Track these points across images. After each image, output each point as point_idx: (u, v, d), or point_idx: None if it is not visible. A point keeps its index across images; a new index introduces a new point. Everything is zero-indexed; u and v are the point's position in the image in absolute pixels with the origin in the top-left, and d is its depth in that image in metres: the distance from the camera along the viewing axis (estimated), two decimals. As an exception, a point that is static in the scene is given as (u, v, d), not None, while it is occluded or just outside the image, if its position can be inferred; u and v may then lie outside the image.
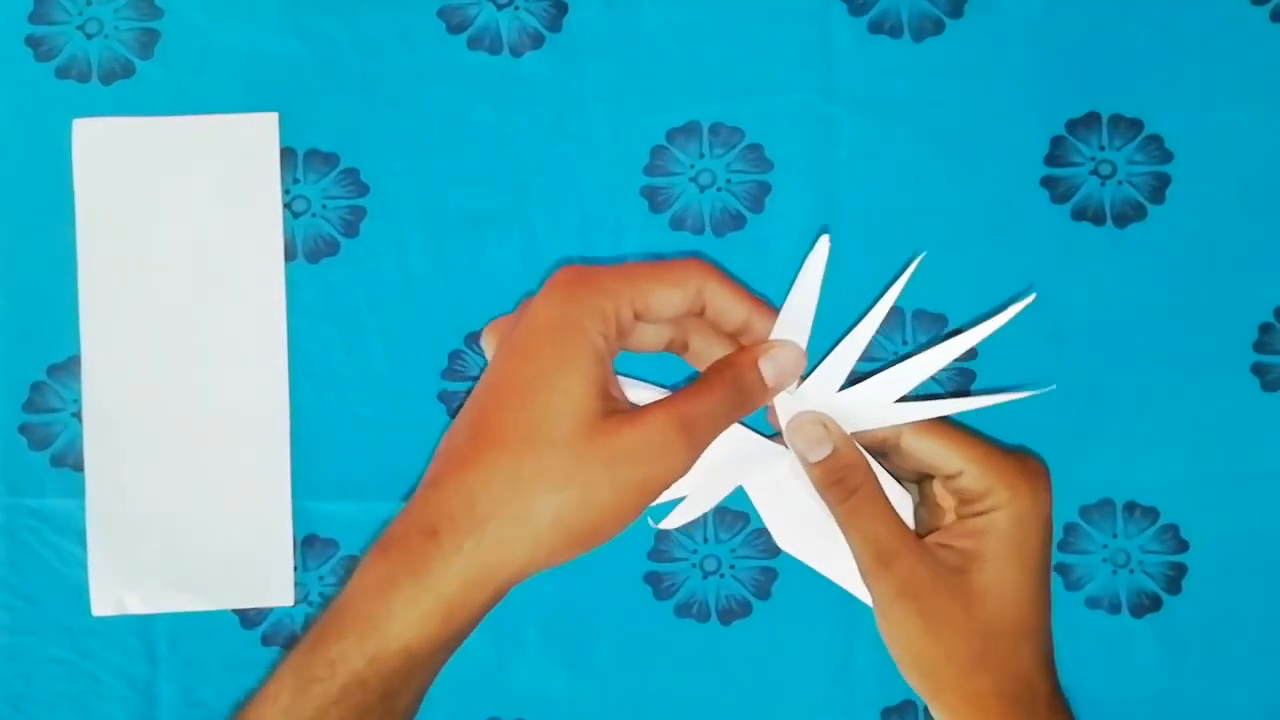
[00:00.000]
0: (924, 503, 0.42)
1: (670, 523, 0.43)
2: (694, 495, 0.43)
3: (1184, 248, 0.48)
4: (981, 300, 0.48)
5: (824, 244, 0.39)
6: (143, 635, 0.48)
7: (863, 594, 0.46)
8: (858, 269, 0.48)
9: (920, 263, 0.41)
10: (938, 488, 0.42)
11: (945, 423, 0.41)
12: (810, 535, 0.43)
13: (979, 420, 0.41)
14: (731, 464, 0.42)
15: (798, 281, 0.40)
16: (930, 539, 0.40)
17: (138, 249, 0.48)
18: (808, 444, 0.41)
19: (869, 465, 0.41)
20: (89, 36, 0.49)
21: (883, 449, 0.42)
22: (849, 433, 0.41)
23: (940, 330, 0.48)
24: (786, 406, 0.41)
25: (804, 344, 0.40)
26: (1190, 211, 0.48)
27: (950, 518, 0.41)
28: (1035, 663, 0.40)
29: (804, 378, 0.41)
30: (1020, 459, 0.40)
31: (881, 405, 0.41)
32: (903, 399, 0.40)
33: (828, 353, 0.41)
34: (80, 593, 0.48)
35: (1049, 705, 0.40)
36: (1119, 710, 0.48)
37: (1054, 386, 0.42)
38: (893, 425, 0.41)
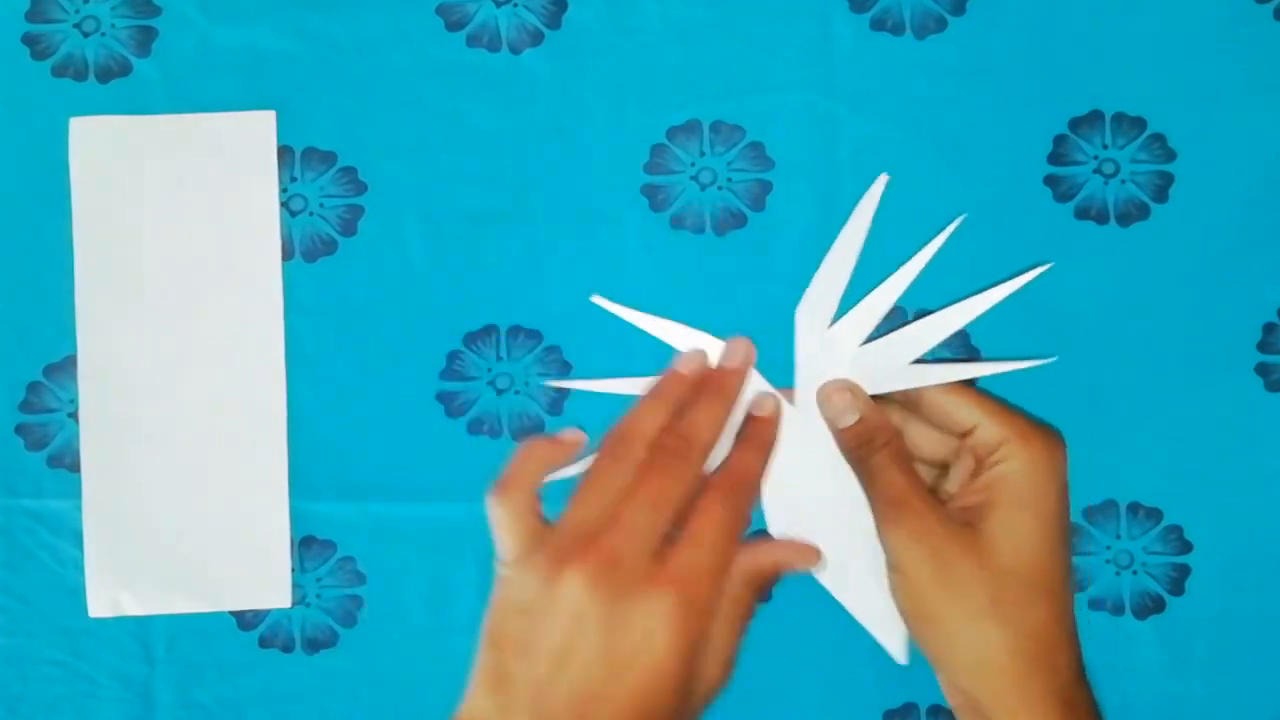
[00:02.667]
0: (944, 479, 0.44)
1: None
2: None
3: (1187, 247, 0.48)
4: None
5: (880, 183, 0.45)
6: (139, 636, 0.48)
7: (850, 600, 0.46)
8: (859, 267, 0.48)
9: (961, 223, 0.47)
10: (958, 468, 0.44)
11: (964, 384, 0.44)
12: (806, 527, 0.45)
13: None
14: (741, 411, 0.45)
15: (850, 220, 0.46)
16: (948, 499, 0.43)
17: (134, 248, 0.48)
18: (836, 413, 0.44)
19: (894, 427, 0.44)
20: (86, 35, 0.49)
21: (905, 402, 0.45)
22: (869, 393, 0.45)
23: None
24: (810, 357, 0.45)
25: (845, 281, 0.46)
26: (1194, 211, 0.48)
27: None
28: (1053, 624, 0.40)
29: (835, 321, 0.46)
30: (1036, 422, 0.42)
31: (899, 366, 0.45)
32: (918, 361, 0.45)
33: (859, 301, 0.46)
34: (77, 594, 0.48)
35: (1070, 676, 0.40)
36: (1122, 712, 0.48)
37: (1055, 358, 0.46)
38: (906, 387, 0.44)
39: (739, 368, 0.45)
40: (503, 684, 0.39)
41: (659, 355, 0.48)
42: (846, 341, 0.46)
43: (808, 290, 0.46)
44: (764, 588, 0.43)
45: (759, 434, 0.44)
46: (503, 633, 0.40)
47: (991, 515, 0.41)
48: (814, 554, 0.44)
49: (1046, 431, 0.42)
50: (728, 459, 0.43)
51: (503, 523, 0.42)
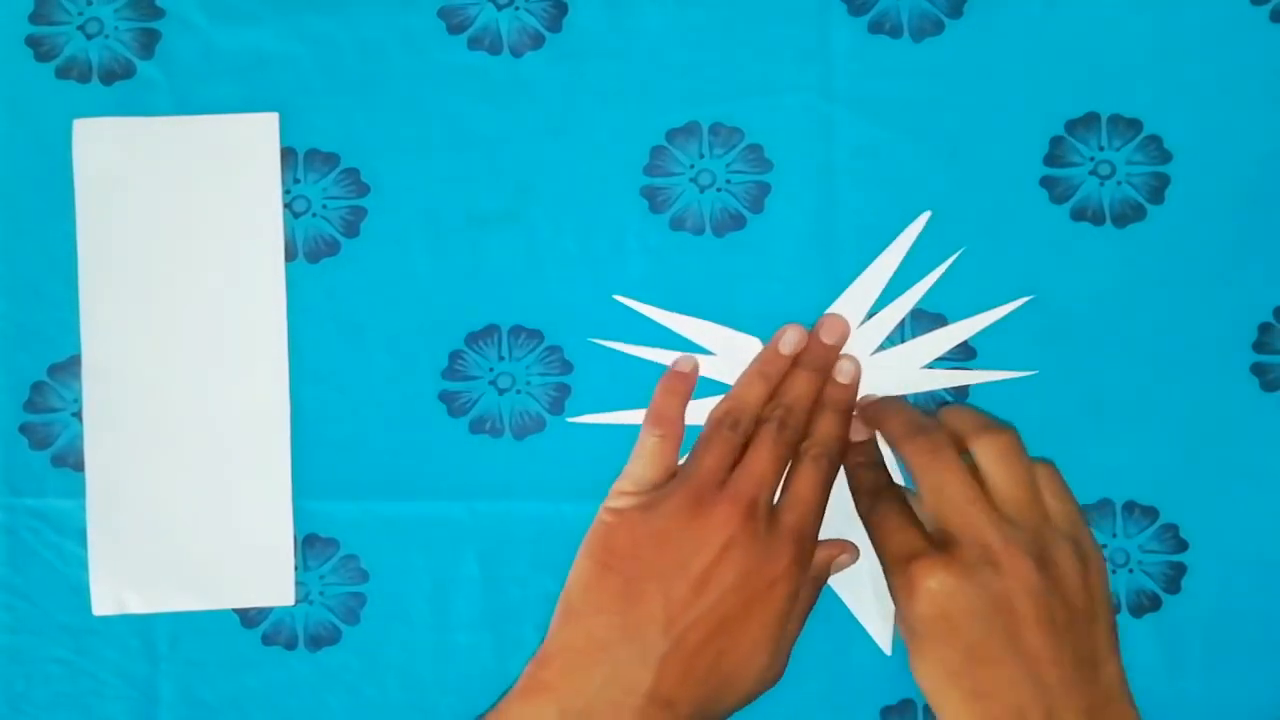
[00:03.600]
0: None
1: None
2: None
3: (1183, 248, 0.48)
4: (980, 300, 0.48)
5: (922, 220, 0.48)
6: (143, 635, 0.48)
7: (854, 601, 0.47)
8: (857, 269, 0.48)
9: (957, 258, 0.48)
10: None
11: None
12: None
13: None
14: None
15: (888, 249, 0.48)
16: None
17: (138, 249, 0.48)
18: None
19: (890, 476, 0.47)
20: (89, 37, 0.49)
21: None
22: (877, 396, 0.48)
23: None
24: None
25: (871, 302, 0.48)
26: (1189, 212, 0.49)
27: None
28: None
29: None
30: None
31: (905, 374, 0.48)
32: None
33: (870, 315, 0.48)
34: (81, 592, 0.48)
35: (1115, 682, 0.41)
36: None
37: (1036, 372, 0.47)
38: (913, 392, 0.48)
39: (836, 344, 0.48)
40: (632, 602, 0.42)
41: (659, 355, 0.49)
42: (861, 348, 0.48)
43: (837, 300, 0.48)
44: (823, 583, 0.47)
45: (840, 399, 0.47)
46: (632, 554, 0.43)
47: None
48: (856, 551, 0.47)
49: (914, 564, 0.42)
50: (815, 426, 0.46)
51: (654, 452, 0.46)
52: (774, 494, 0.44)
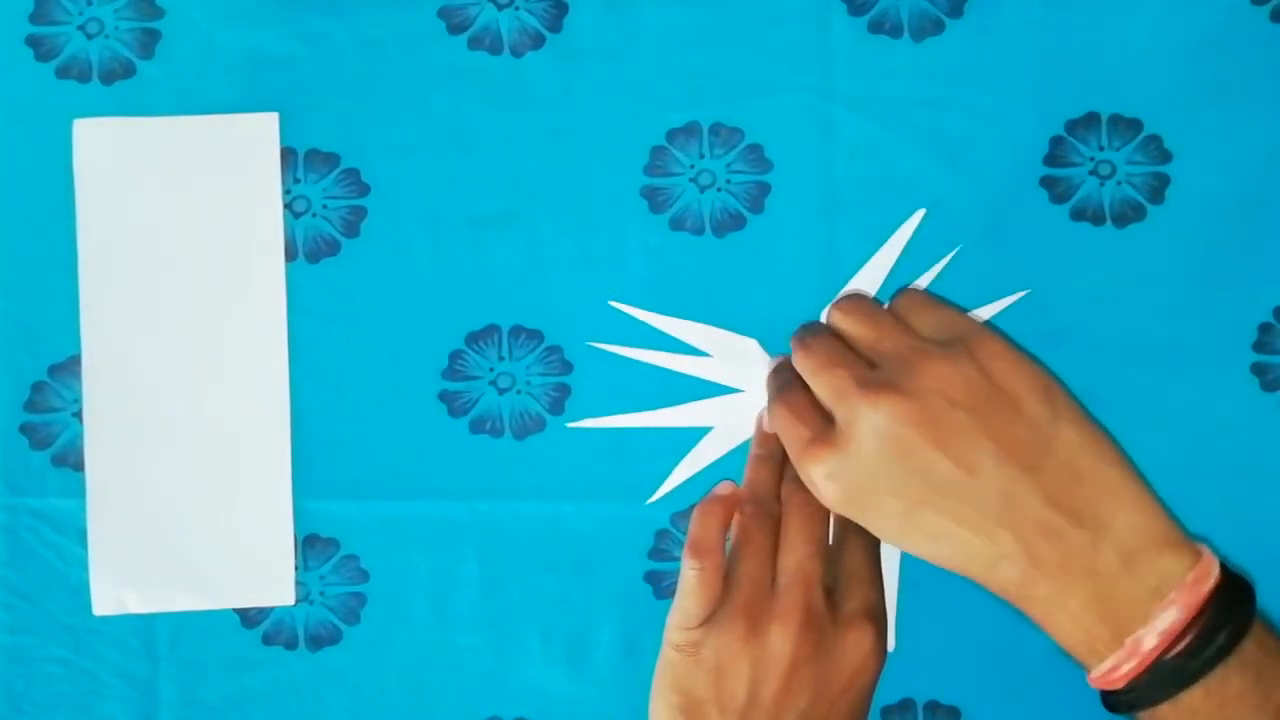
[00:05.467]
0: None
1: (704, 455, 0.48)
2: (720, 431, 0.48)
3: (1183, 248, 0.49)
4: (980, 300, 0.48)
5: (917, 217, 0.47)
6: (143, 634, 0.48)
7: None
8: (857, 269, 0.48)
9: (959, 259, 0.47)
10: None
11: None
12: None
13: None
14: (754, 413, 0.48)
15: (883, 247, 0.48)
16: None
17: (138, 249, 0.48)
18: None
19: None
20: (89, 37, 0.49)
21: None
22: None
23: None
24: None
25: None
26: (1189, 212, 0.49)
27: None
28: None
29: None
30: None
31: None
32: None
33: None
34: (81, 592, 0.48)
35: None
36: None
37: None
38: None
39: None
40: None
41: (659, 358, 0.49)
42: None
43: (834, 301, 0.47)
44: None
45: None
46: (694, 695, 0.42)
47: None
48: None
49: (802, 457, 0.41)
50: None
51: (696, 586, 0.44)
52: (825, 580, 0.43)
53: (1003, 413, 0.39)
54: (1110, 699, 0.39)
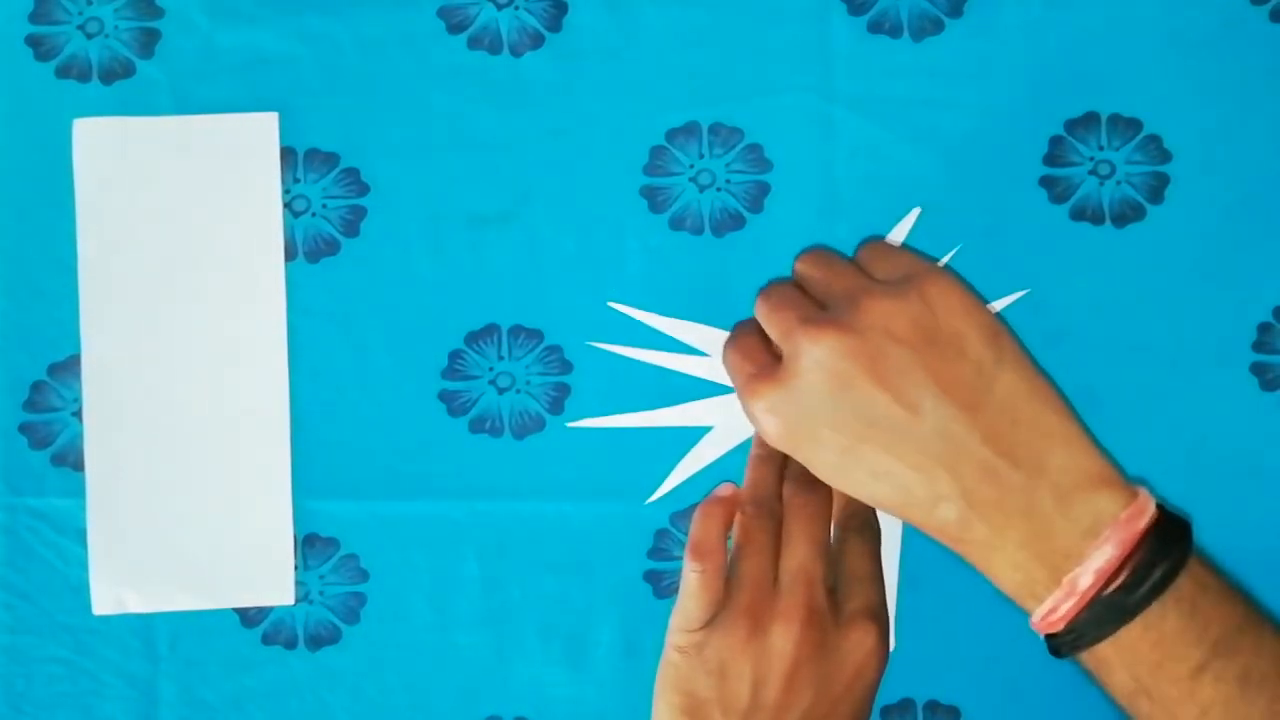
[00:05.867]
0: None
1: (704, 455, 0.48)
2: (720, 431, 0.48)
3: (1183, 248, 0.49)
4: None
5: (912, 216, 0.47)
6: (143, 634, 0.48)
7: None
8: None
9: (959, 259, 0.45)
10: None
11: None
12: None
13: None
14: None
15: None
16: None
17: (138, 248, 0.48)
18: None
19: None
20: (89, 36, 0.49)
21: None
22: None
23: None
24: None
25: None
26: (1189, 211, 0.49)
27: None
28: None
29: None
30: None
31: None
32: None
33: None
34: (81, 592, 0.48)
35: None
36: (1120, 712, 0.48)
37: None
38: None
39: None
40: None
41: (658, 358, 0.49)
42: None
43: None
44: None
45: None
46: (697, 697, 0.42)
47: None
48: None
49: (745, 391, 0.41)
50: (837, 499, 0.46)
51: (698, 588, 0.44)
52: (827, 580, 0.43)
53: (945, 352, 0.39)
54: (1054, 642, 0.39)
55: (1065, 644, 0.39)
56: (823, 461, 0.40)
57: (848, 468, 0.39)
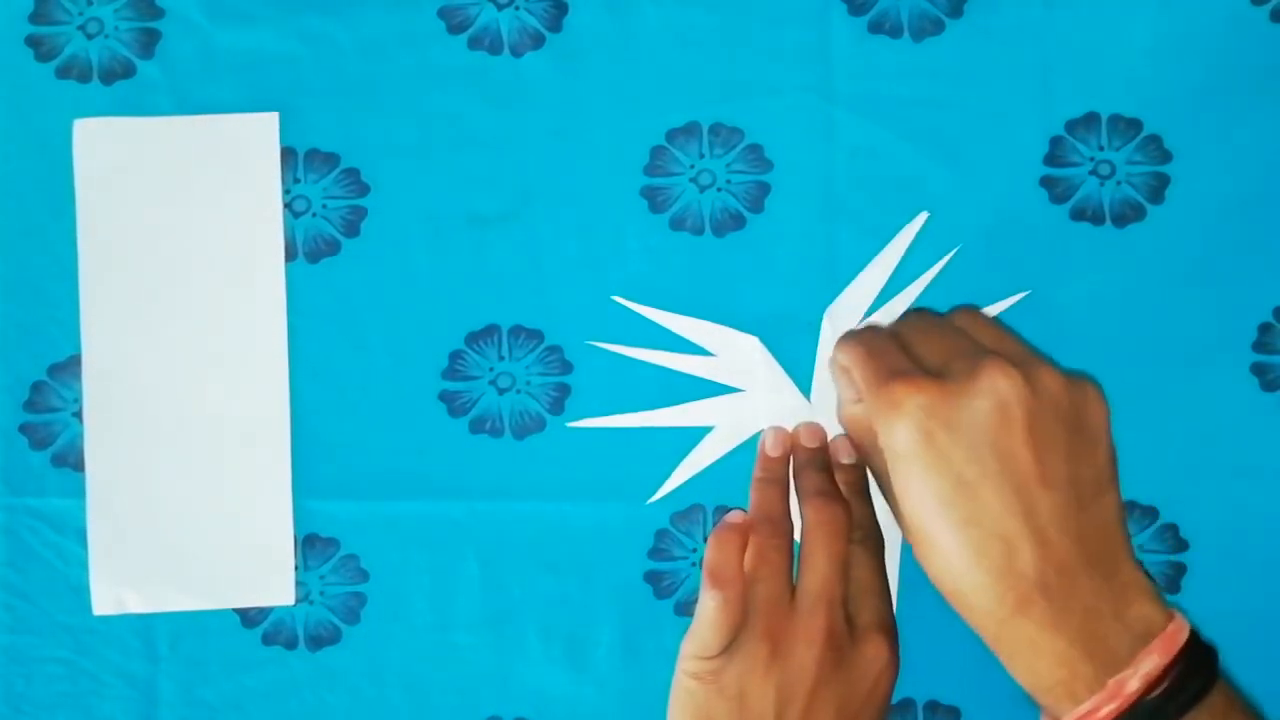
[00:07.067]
0: None
1: (705, 455, 0.48)
2: (721, 431, 0.48)
3: (1183, 248, 0.49)
4: (980, 300, 0.48)
5: (920, 219, 0.48)
6: (143, 634, 0.48)
7: None
8: (857, 269, 0.48)
9: (959, 259, 0.47)
10: None
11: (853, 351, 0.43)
12: None
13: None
14: (756, 412, 0.48)
15: (888, 246, 0.48)
16: None
17: (138, 249, 0.48)
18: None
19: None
20: (89, 36, 0.49)
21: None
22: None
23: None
24: (826, 369, 0.48)
25: (873, 296, 0.48)
26: (1189, 211, 0.49)
27: None
28: (947, 575, 0.40)
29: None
30: (897, 371, 0.41)
31: None
32: None
33: (868, 315, 0.49)
34: (81, 592, 0.48)
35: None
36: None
37: None
38: None
39: (819, 446, 0.48)
40: None
41: (659, 357, 0.49)
42: None
43: (838, 299, 0.48)
44: None
45: (853, 481, 0.47)
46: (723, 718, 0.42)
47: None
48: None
49: (896, 381, 0.40)
50: (853, 512, 0.45)
51: (717, 617, 0.43)
52: (845, 596, 0.43)
53: (1085, 449, 0.40)
54: None
55: None
56: (932, 486, 0.39)
57: (951, 502, 0.39)
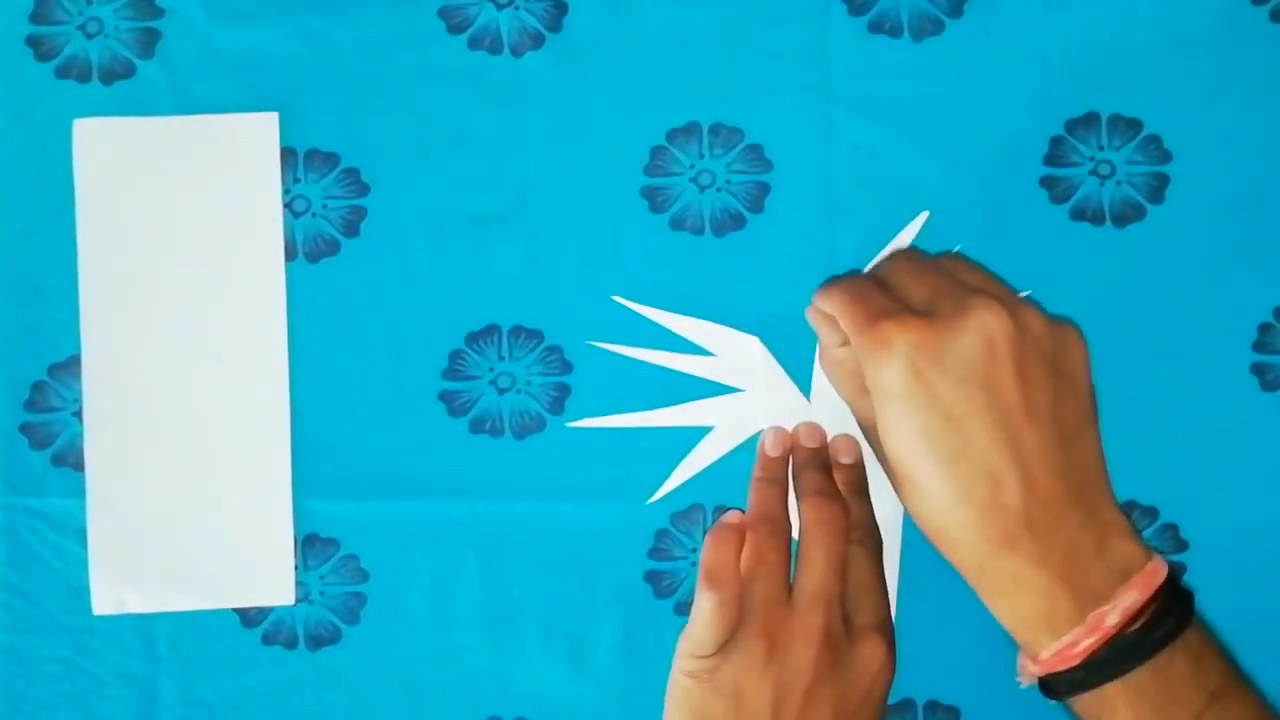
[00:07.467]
0: None
1: (705, 455, 0.48)
2: (721, 431, 0.48)
3: (1183, 248, 0.49)
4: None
5: (920, 219, 0.48)
6: (143, 634, 0.48)
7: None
8: (857, 269, 0.48)
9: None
10: None
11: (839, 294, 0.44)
12: None
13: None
14: (756, 412, 0.48)
15: (889, 246, 0.48)
16: None
17: (138, 249, 0.48)
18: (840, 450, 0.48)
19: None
20: (89, 36, 0.49)
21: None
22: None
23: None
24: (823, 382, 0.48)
25: None
26: (1189, 211, 0.49)
27: None
28: (935, 513, 0.41)
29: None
30: (887, 310, 0.41)
31: None
32: None
33: None
34: (81, 592, 0.48)
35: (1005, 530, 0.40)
36: None
37: None
38: None
39: (819, 446, 0.48)
40: None
41: (659, 357, 0.49)
42: None
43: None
44: None
45: (853, 480, 0.47)
46: (719, 717, 0.42)
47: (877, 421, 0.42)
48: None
49: (884, 320, 0.40)
50: (851, 512, 0.46)
51: (713, 617, 0.43)
52: (842, 596, 0.43)
53: (1067, 386, 0.41)
54: (1060, 679, 0.40)
55: (1074, 681, 0.40)
56: (920, 422, 0.39)
57: (939, 437, 0.39)
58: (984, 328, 0.39)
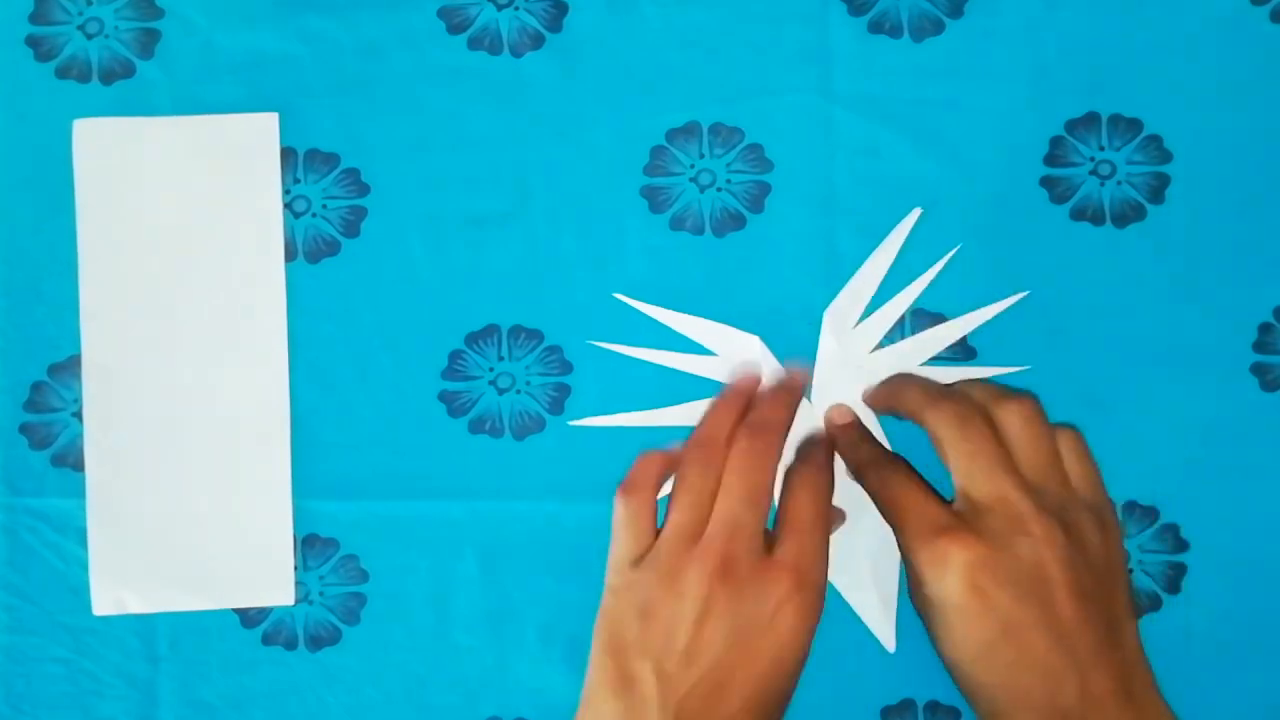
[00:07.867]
0: None
1: None
2: None
3: (1183, 248, 0.49)
4: (980, 300, 0.48)
5: (913, 216, 0.48)
6: (143, 635, 0.48)
7: (842, 583, 0.48)
8: (858, 269, 0.48)
9: (960, 260, 0.48)
10: None
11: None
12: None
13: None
14: None
15: (882, 245, 0.48)
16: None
17: (138, 249, 0.48)
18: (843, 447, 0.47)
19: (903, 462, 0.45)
20: (89, 36, 0.49)
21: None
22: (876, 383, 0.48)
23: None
24: (830, 355, 0.48)
25: (871, 294, 0.48)
26: (1189, 212, 0.49)
27: None
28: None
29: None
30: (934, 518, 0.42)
31: (906, 368, 0.48)
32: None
33: (868, 314, 0.48)
34: (81, 592, 0.48)
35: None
36: None
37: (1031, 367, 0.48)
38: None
39: (800, 384, 0.48)
40: (628, 686, 0.41)
41: (659, 357, 0.49)
42: (860, 346, 0.48)
43: (836, 298, 0.48)
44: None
45: (842, 438, 0.47)
46: (621, 638, 0.42)
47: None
48: (843, 515, 0.48)
49: (943, 538, 0.41)
50: (802, 451, 0.46)
51: (627, 524, 0.43)
52: (756, 530, 0.42)
53: (1112, 585, 0.42)
54: None
55: None
56: (979, 634, 0.40)
57: (998, 646, 0.40)
58: (1040, 559, 0.40)
